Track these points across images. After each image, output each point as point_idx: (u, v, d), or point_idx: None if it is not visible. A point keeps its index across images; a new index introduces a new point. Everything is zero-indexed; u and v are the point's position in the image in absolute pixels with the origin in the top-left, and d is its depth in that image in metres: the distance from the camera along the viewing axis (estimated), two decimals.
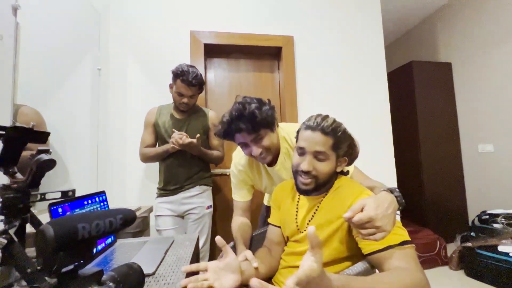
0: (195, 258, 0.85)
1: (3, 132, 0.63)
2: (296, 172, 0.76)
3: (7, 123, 0.89)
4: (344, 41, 1.98)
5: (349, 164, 0.81)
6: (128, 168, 1.59)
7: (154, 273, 0.61)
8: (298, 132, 0.78)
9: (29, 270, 0.55)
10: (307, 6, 1.94)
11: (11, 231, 0.57)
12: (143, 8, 1.71)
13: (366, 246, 0.64)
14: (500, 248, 1.77)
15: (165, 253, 0.75)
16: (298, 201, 0.84)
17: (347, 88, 1.95)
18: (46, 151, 0.71)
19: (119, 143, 1.60)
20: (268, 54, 1.96)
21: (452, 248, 2.23)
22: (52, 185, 1.48)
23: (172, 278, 0.59)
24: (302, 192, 0.76)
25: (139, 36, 1.69)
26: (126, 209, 0.51)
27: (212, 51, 1.85)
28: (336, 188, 0.77)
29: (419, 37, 3.19)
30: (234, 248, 0.92)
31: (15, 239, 0.56)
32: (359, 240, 0.65)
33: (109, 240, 0.82)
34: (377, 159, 1.93)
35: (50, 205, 0.61)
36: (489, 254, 1.80)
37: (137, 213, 1.26)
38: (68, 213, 0.65)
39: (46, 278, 0.43)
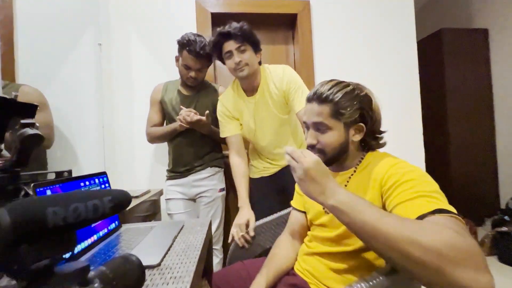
0: (207, 244, 0.76)
1: None
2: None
3: None
4: (368, 5, 1.75)
5: (374, 130, 0.68)
6: (137, 149, 1.51)
7: (159, 264, 0.52)
8: None
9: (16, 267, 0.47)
10: None
11: None
12: None
13: None
14: None
15: (173, 240, 0.66)
16: None
17: (373, 61, 1.75)
18: (32, 125, 0.61)
19: (126, 122, 1.52)
20: (281, 23, 1.78)
21: (481, 232, 2.07)
22: (59, 167, 1.44)
23: (180, 270, 0.50)
24: None
25: (140, 8, 1.55)
26: (118, 190, 0.40)
27: (220, 21, 1.68)
28: (366, 164, 0.66)
29: (451, 2, 2.84)
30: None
31: None
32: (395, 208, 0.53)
33: (112, 225, 0.74)
34: (403, 136, 1.76)
35: (36, 186, 0.52)
36: None
37: (146, 196, 1.19)
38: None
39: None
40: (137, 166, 1.52)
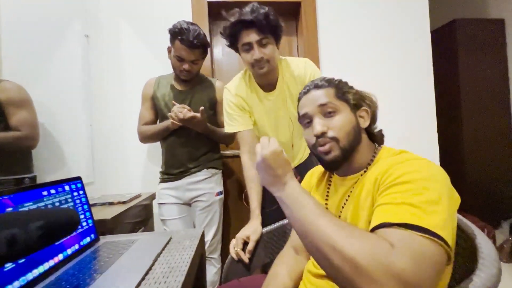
0: (198, 260, 0.66)
1: None
2: (314, 148, 0.58)
3: None
4: None
5: (373, 120, 0.62)
6: (128, 149, 1.41)
7: None
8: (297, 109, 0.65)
9: None
10: None
11: None
12: None
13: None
14: None
15: (154, 261, 0.55)
16: (329, 185, 0.64)
17: (384, 53, 1.61)
18: None
19: (116, 120, 1.41)
20: (284, 13, 1.65)
21: (498, 236, 1.93)
22: (46, 170, 1.34)
23: None
24: (331, 165, 0.58)
25: None
26: (56, 209, 0.30)
27: (218, 12, 1.57)
28: (374, 164, 0.55)
29: None
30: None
31: None
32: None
33: (86, 239, 0.64)
34: (416, 133, 1.63)
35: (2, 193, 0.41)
36: None
37: (136, 201, 1.09)
38: (9, 209, 0.46)
39: None
40: (128, 167, 1.41)
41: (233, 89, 1.03)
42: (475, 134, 2.29)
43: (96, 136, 1.38)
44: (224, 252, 1.26)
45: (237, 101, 1.02)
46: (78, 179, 0.67)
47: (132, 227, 1.05)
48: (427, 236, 0.35)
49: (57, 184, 0.59)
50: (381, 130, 0.64)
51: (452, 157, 2.37)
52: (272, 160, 0.49)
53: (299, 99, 0.63)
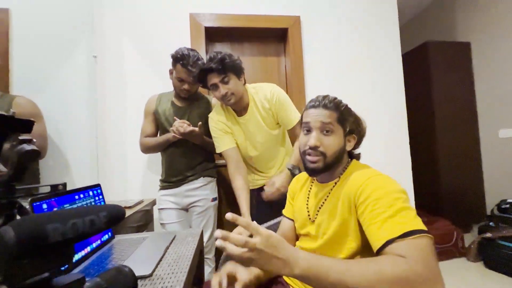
0: (198, 254, 0.79)
1: None
2: (304, 153, 0.71)
3: None
4: (355, 20, 1.83)
5: (358, 142, 0.75)
6: (130, 159, 1.53)
7: (151, 275, 0.55)
8: (302, 114, 0.76)
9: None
10: None
11: None
12: None
13: (372, 245, 0.55)
14: None
15: (165, 251, 0.68)
16: (310, 189, 0.79)
17: (359, 72, 1.82)
18: (29, 141, 0.63)
19: (119, 133, 1.54)
20: (273, 36, 1.84)
21: (468, 238, 2.13)
22: (52, 179, 1.44)
23: (171, 280, 0.53)
24: (312, 172, 0.71)
25: (135, 21, 1.59)
26: (113, 205, 0.43)
27: (214, 35, 1.74)
28: (349, 173, 0.70)
29: (436, 16, 2.98)
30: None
31: None
32: (367, 236, 0.57)
33: (105, 237, 0.76)
34: (391, 146, 1.82)
35: (32, 200, 0.54)
36: (511, 244, 1.69)
37: (139, 207, 1.21)
38: (55, 209, 0.58)
39: None
40: (130, 176, 1.53)
41: (215, 117, 1.24)
42: (448, 145, 2.51)
43: (101, 147, 1.49)
44: (217, 253, 1.38)
45: (219, 126, 1.22)
46: (98, 186, 0.79)
47: (135, 230, 1.17)
48: (417, 235, 0.48)
49: (84, 190, 0.71)
50: (359, 154, 0.78)
51: (427, 167, 2.59)
52: (270, 247, 0.45)
53: (306, 108, 0.74)
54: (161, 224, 1.32)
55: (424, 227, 0.50)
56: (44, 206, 0.56)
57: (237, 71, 1.13)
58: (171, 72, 1.28)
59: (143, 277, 0.53)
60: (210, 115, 1.26)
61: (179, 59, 1.20)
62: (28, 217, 0.34)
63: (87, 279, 0.39)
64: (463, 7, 2.65)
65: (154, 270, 0.57)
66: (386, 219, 0.53)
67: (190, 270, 0.60)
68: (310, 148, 0.68)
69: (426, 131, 2.60)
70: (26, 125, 0.65)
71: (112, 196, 1.46)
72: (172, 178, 1.31)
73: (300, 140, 0.73)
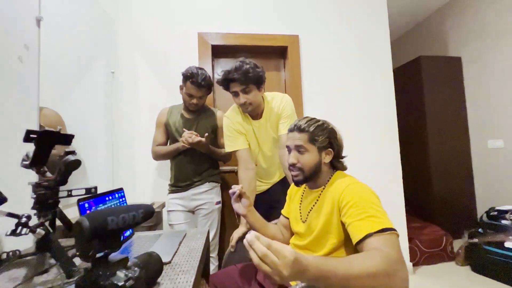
0: (206, 249, 0.92)
1: (35, 136, 0.70)
2: (288, 168, 0.88)
3: (35, 126, 0.97)
4: (349, 39, 1.99)
5: (338, 155, 0.87)
6: (141, 165, 1.67)
7: (170, 262, 0.68)
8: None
9: (64, 257, 0.62)
10: (312, 5, 1.96)
11: (46, 224, 0.65)
12: (153, 12, 1.77)
13: (353, 238, 0.67)
14: (507, 244, 1.78)
15: (179, 245, 0.81)
16: (303, 194, 0.93)
17: (352, 85, 1.97)
18: (72, 153, 0.78)
19: (132, 142, 1.69)
20: (274, 53, 2.00)
21: (459, 244, 2.23)
22: (71, 182, 1.58)
23: (186, 266, 0.66)
24: (295, 183, 0.87)
25: (149, 39, 1.76)
26: (146, 204, 0.57)
27: (219, 52, 1.90)
28: (333, 182, 0.83)
29: (428, 31, 3.14)
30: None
31: (50, 230, 0.63)
32: (349, 231, 0.69)
33: (128, 233, 0.90)
34: (382, 155, 1.95)
35: (79, 200, 0.68)
36: (496, 250, 1.80)
37: None
38: (93, 208, 0.72)
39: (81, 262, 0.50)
40: (141, 181, 1.67)
41: (232, 117, 1.31)
42: (440, 155, 2.63)
43: (115, 154, 1.63)
44: (221, 252, 1.51)
45: (236, 126, 1.29)
46: (121, 189, 0.93)
47: (146, 229, 1.30)
48: (388, 232, 0.62)
49: (111, 192, 0.85)
50: (343, 162, 0.90)
51: (420, 175, 2.71)
52: (285, 267, 0.45)
53: (287, 131, 0.88)
54: (170, 224, 1.45)
55: (393, 226, 0.64)
56: (86, 205, 0.70)
57: (259, 83, 1.19)
58: (181, 88, 1.43)
59: (165, 263, 0.66)
60: (227, 114, 1.32)
61: (189, 77, 1.35)
62: (95, 211, 0.47)
63: None
64: (454, 23, 2.81)
65: (172, 258, 0.70)
66: (365, 218, 0.66)
67: (201, 260, 0.73)
68: (290, 165, 0.84)
69: (419, 140, 2.73)
70: (68, 138, 0.81)
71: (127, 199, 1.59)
72: (180, 183, 1.45)
73: (286, 158, 0.90)
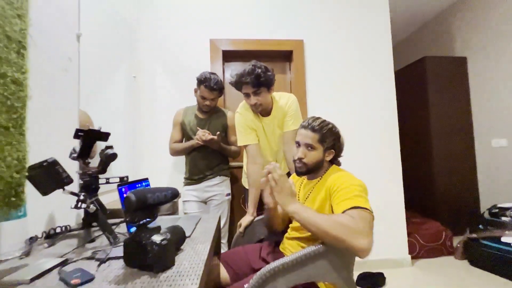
0: (218, 232, 1.08)
1: (82, 134, 0.88)
2: (294, 161, 0.99)
3: (76, 125, 1.15)
4: (351, 42, 2.09)
5: (337, 154, 1.01)
6: (159, 160, 1.86)
7: (189, 236, 0.84)
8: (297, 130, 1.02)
9: (108, 228, 0.79)
10: (315, 11, 2.08)
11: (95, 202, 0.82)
12: (169, 21, 1.94)
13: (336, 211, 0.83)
14: (503, 239, 1.85)
15: (196, 226, 0.97)
16: (301, 184, 1.06)
17: (355, 87, 2.08)
18: (111, 147, 0.95)
19: (150, 139, 1.87)
20: (280, 56, 2.13)
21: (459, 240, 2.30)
22: None
23: (203, 239, 0.82)
24: (298, 174, 0.99)
25: (166, 46, 1.93)
26: (173, 187, 0.73)
27: (229, 56, 2.05)
28: (328, 174, 0.97)
29: (434, 32, 3.19)
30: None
31: (98, 207, 0.80)
32: (334, 210, 0.84)
33: None
34: (383, 155, 2.05)
35: (118, 185, 0.85)
36: (493, 244, 1.88)
37: None
38: (129, 192, 0.89)
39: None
40: (159, 174, 1.85)
41: (244, 114, 1.41)
42: (443, 154, 2.69)
43: (136, 150, 1.82)
44: (230, 238, 1.67)
45: (248, 122, 1.40)
46: (147, 179, 1.10)
47: None
48: (364, 210, 0.75)
49: (139, 181, 1.02)
50: (339, 160, 1.04)
51: (423, 173, 2.78)
52: (284, 182, 0.81)
53: (299, 127, 0.98)
54: (185, 213, 1.62)
55: (370, 208, 0.77)
56: (123, 189, 0.87)
57: (269, 85, 1.30)
58: (195, 91, 1.59)
59: (186, 237, 0.82)
60: (239, 111, 1.42)
61: (203, 81, 1.51)
62: (138, 189, 0.63)
63: None
64: (460, 23, 2.85)
65: (191, 234, 0.86)
66: (347, 199, 0.80)
67: (214, 236, 0.89)
68: (298, 158, 0.96)
69: (423, 139, 2.79)
70: (106, 136, 0.99)
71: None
72: (194, 176, 1.62)
73: (293, 151, 1.02)
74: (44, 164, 0.65)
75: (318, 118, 0.99)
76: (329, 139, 0.95)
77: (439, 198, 2.66)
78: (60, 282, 0.56)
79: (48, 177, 0.65)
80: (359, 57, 2.09)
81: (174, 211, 1.63)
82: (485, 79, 2.62)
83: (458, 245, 2.13)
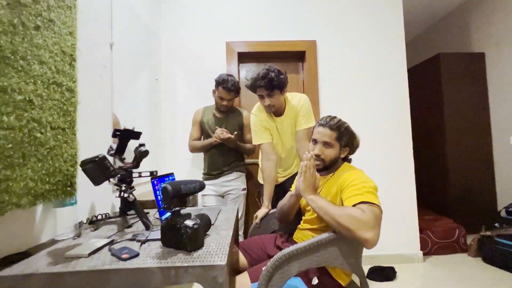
0: (237, 221, 1.18)
1: (119, 133, 1.00)
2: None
3: (110, 125, 1.28)
4: (364, 42, 2.13)
5: (351, 152, 1.08)
6: (179, 157, 1.99)
7: (213, 224, 0.95)
8: (313, 128, 1.09)
9: (144, 215, 0.91)
10: (328, 11, 2.13)
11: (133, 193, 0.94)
12: (188, 27, 2.06)
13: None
14: None
15: (217, 215, 1.08)
16: None
17: (367, 86, 2.11)
18: (143, 145, 1.07)
19: (171, 138, 2.00)
20: (293, 57, 2.20)
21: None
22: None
23: (225, 226, 0.92)
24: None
25: (185, 50, 2.05)
26: (200, 180, 0.83)
27: (244, 58, 2.15)
28: (341, 170, 1.04)
29: (450, 27, 3.13)
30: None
31: (135, 197, 0.92)
32: (344, 204, 0.91)
33: None
34: (395, 152, 2.08)
35: (151, 178, 0.97)
36: (506, 241, 1.88)
37: None
38: (159, 184, 1.01)
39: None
40: (178, 170, 1.99)
41: (259, 114, 1.51)
42: (459, 151, 2.65)
43: (158, 147, 1.96)
44: (246, 230, 1.77)
45: (262, 122, 1.49)
46: (172, 174, 1.22)
47: None
48: (373, 205, 0.81)
49: (167, 175, 1.14)
50: (350, 159, 1.12)
51: (437, 171, 2.77)
52: (312, 172, 0.91)
53: (317, 124, 1.04)
54: (204, 206, 1.74)
55: (380, 204, 0.84)
56: (155, 182, 0.98)
57: (282, 88, 1.38)
58: (214, 92, 1.70)
59: (211, 224, 0.93)
60: (254, 112, 1.53)
61: (221, 83, 1.61)
62: (173, 181, 0.74)
63: None
64: (477, 18, 2.79)
65: (215, 222, 0.96)
66: (358, 194, 0.87)
67: (234, 226, 0.99)
68: (315, 155, 1.01)
69: (437, 137, 2.78)
70: (138, 134, 1.11)
71: None
72: (212, 172, 1.73)
73: (309, 147, 1.07)
74: (96, 159, 0.77)
75: (335, 117, 1.05)
76: (345, 137, 1.02)
77: (453, 196, 2.64)
78: (112, 257, 0.68)
79: (99, 170, 0.77)
80: (372, 56, 2.12)
81: (194, 204, 1.76)
82: (504, 74, 2.57)
83: (472, 243, 2.13)
